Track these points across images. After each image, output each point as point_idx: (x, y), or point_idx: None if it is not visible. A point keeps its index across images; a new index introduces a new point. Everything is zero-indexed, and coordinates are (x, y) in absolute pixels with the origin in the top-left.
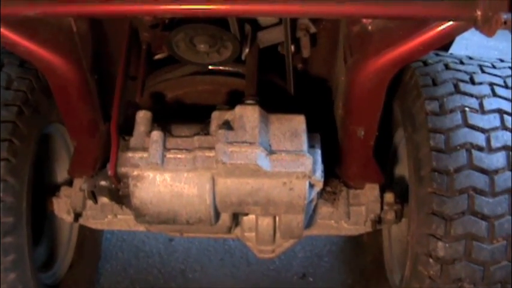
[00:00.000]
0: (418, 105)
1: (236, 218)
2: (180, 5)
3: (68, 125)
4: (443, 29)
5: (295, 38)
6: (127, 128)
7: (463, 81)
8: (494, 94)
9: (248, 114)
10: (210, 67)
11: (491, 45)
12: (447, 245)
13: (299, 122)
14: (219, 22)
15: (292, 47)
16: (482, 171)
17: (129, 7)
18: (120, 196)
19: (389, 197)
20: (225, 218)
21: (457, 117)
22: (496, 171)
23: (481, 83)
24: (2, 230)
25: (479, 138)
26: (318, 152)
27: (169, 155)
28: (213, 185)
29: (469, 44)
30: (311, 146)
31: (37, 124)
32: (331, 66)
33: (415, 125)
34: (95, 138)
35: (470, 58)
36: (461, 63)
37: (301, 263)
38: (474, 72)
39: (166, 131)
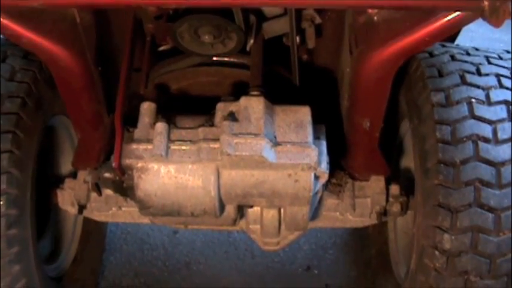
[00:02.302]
0: (424, 97)
1: (241, 210)
2: None
3: (72, 117)
4: (450, 19)
5: (300, 29)
6: (131, 120)
7: (469, 72)
8: (501, 85)
9: (253, 105)
10: (214, 58)
11: (497, 38)
12: (453, 237)
13: (304, 113)
14: (223, 13)
15: (298, 38)
16: (489, 163)
17: None
18: (125, 188)
19: (394, 189)
20: (230, 210)
21: (464, 109)
22: (503, 163)
23: (487, 74)
24: (7, 222)
25: (486, 130)
26: (323, 143)
27: (173, 147)
28: (217, 177)
29: (474, 36)
30: (316, 137)
31: (41, 116)
32: (336, 57)
33: (421, 116)
34: (99, 130)
35: (477, 49)
36: (468, 54)
37: (306, 256)
38: (480, 64)
39: (171, 123)
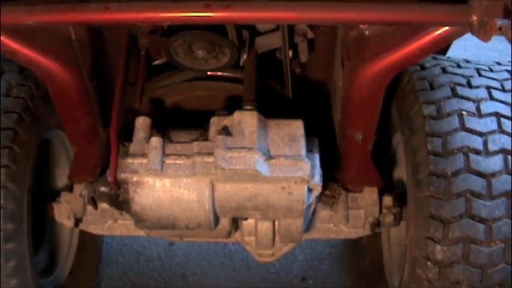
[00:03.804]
0: (415, 109)
1: (236, 223)
2: (179, 12)
3: (67, 131)
4: (440, 33)
5: (293, 43)
6: (126, 134)
7: (460, 84)
8: (491, 97)
9: (246, 119)
10: (208, 73)
11: (491, 46)
12: (445, 248)
13: (297, 127)
14: (217, 29)
15: (290, 52)
16: (480, 174)
17: (128, 15)
18: (120, 202)
19: (388, 200)
20: (225, 222)
21: (454, 121)
22: (494, 175)
23: (478, 87)
24: (3, 236)
25: (477, 142)
26: (317, 156)
27: (168, 161)
28: (212, 191)
29: (468, 45)
30: (309, 150)
31: (37, 131)
32: (328, 71)
33: (412, 128)
34: (94, 144)
35: (468, 61)
36: (459, 66)
37: (301, 266)
38: (471, 76)
39: (166, 137)
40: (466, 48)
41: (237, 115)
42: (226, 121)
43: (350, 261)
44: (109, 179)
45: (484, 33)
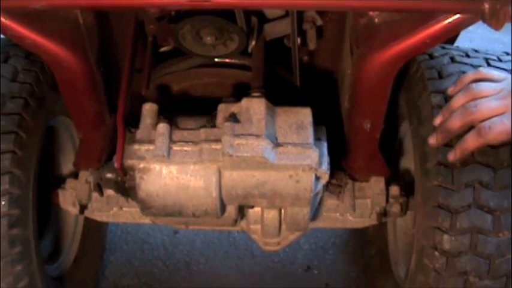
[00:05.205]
0: (424, 98)
1: (242, 211)
2: None
3: (74, 117)
4: (450, 22)
5: (301, 31)
6: (133, 120)
7: None
8: None
9: (254, 106)
10: (216, 60)
11: (496, 38)
12: (453, 238)
13: (305, 114)
14: (225, 14)
15: (299, 40)
16: (488, 164)
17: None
18: (126, 188)
19: (394, 189)
20: (231, 210)
21: None
22: (502, 164)
23: None
24: (9, 222)
25: None
26: (324, 144)
27: (175, 148)
28: (219, 178)
29: (473, 37)
30: (317, 138)
31: (43, 117)
32: (337, 59)
33: (421, 118)
34: (101, 131)
35: (476, 51)
36: (467, 56)
37: (306, 256)
38: (480, 66)
39: (173, 124)
40: (471, 40)
41: (245, 102)
42: (234, 108)
43: (355, 251)
44: (115, 165)
45: (496, 21)
